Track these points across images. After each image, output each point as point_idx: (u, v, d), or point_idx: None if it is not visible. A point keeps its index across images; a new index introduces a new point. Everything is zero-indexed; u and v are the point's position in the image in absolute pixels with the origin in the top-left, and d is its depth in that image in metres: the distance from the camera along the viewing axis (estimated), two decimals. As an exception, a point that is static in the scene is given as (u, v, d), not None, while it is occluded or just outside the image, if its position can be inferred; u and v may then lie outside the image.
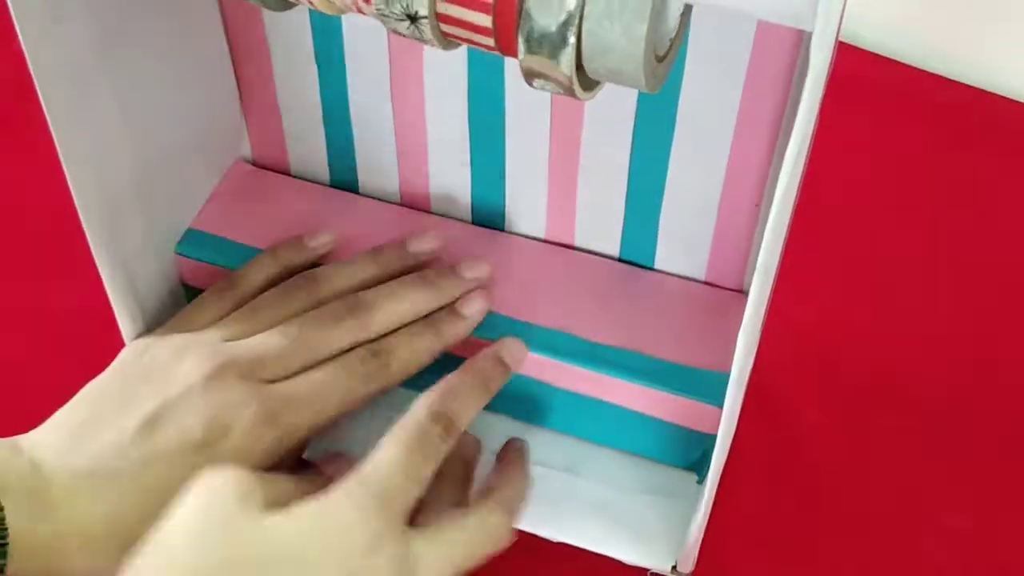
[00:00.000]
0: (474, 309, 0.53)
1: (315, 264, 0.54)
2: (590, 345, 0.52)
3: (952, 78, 0.74)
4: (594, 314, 0.53)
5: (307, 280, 0.52)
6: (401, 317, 0.52)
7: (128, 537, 0.44)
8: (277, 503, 0.42)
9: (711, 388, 0.50)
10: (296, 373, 0.49)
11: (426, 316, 0.52)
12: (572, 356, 0.52)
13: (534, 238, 0.57)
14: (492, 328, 0.53)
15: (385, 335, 0.51)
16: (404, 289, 0.52)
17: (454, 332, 0.52)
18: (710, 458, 0.47)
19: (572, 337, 0.52)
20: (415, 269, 0.54)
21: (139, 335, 0.53)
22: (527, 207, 0.55)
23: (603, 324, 0.53)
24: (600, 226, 0.55)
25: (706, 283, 0.55)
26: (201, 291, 0.55)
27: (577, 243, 0.56)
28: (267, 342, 0.49)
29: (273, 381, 0.49)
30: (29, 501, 0.44)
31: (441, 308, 0.53)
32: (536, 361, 0.52)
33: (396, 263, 0.54)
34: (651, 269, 0.56)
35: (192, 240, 0.55)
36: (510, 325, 0.53)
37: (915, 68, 0.74)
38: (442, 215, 0.57)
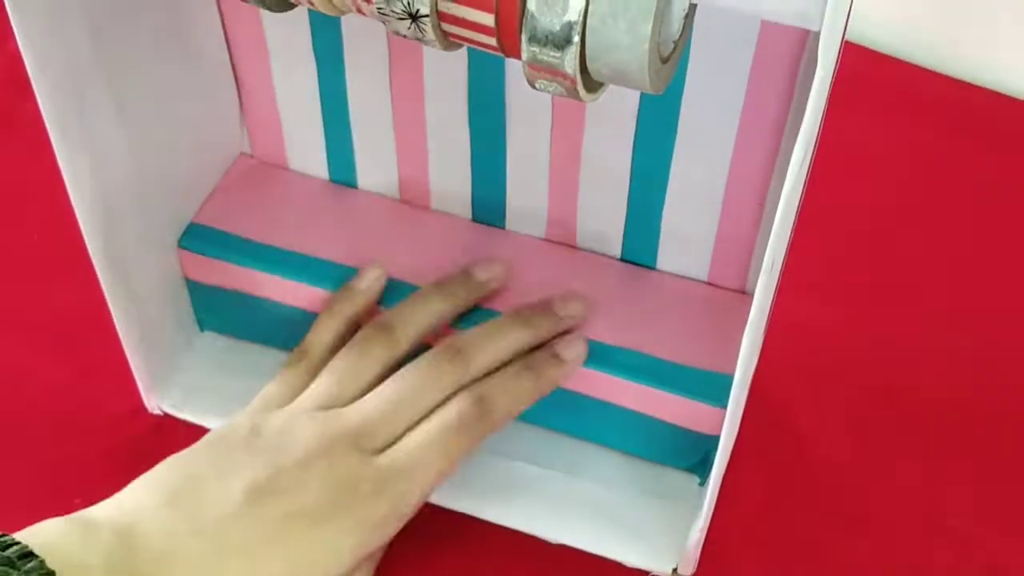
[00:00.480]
0: (575, 353, 0.52)
1: (378, 302, 0.54)
2: (592, 344, 0.52)
3: (955, 76, 0.73)
4: (595, 313, 0.53)
5: (381, 330, 0.51)
6: (499, 360, 0.51)
7: None
8: None
9: (713, 389, 0.50)
10: (404, 432, 0.49)
11: (524, 356, 0.52)
12: None
13: (535, 238, 0.56)
14: None
15: (484, 377, 0.51)
16: (502, 331, 0.51)
17: (553, 376, 0.51)
18: (711, 460, 0.47)
19: None
20: (482, 298, 0.53)
21: (136, 334, 0.53)
22: (528, 207, 0.55)
23: (605, 323, 0.53)
24: (601, 226, 0.54)
25: (709, 284, 0.55)
26: (204, 287, 0.56)
27: (578, 243, 0.56)
28: (373, 407, 0.49)
29: (383, 448, 0.48)
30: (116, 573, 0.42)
31: (538, 347, 0.52)
32: None
33: (464, 294, 0.53)
34: (653, 270, 0.55)
35: (194, 234, 0.55)
36: None
37: (918, 66, 0.74)
38: (442, 213, 0.57)
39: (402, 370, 0.50)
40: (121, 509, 0.45)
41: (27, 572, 0.40)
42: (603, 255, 0.55)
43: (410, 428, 0.49)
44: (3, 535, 0.41)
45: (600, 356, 0.51)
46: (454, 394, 0.50)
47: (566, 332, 0.52)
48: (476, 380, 0.50)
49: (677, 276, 0.55)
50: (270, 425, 0.48)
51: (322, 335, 0.52)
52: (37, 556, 0.40)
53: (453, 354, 0.50)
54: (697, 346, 0.52)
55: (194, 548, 0.44)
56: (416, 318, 0.52)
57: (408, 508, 0.48)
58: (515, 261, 0.55)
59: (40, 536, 0.42)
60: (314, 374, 0.51)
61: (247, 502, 0.45)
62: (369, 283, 0.53)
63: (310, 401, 0.50)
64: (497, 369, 0.51)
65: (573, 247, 0.56)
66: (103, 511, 0.45)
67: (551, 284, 0.54)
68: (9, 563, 0.40)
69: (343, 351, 0.51)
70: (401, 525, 0.48)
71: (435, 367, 0.50)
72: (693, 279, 0.55)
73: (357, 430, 0.48)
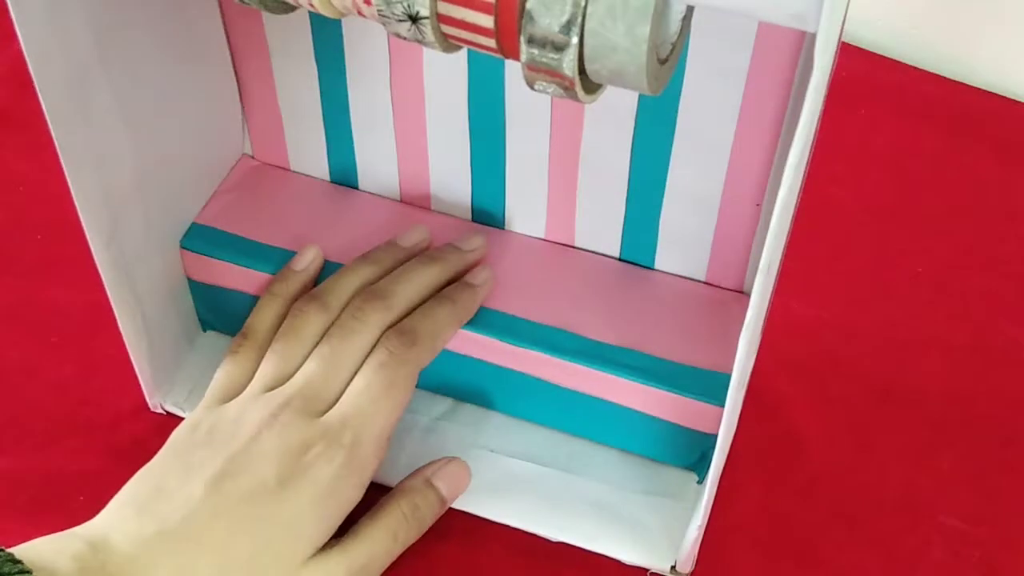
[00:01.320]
0: (483, 277, 0.54)
1: (315, 282, 0.55)
2: (590, 343, 0.52)
3: (954, 78, 0.74)
4: (594, 312, 0.53)
5: (313, 301, 0.52)
6: (416, 294, 0.52)
7: None
8: None
9: (711, 387, 0.50)
10: (346, 386, 0.50)
11: (439, 291, 0.53)
12: (572, 354, 0.52)
13: (534, 238, 0.57)
14: (491, 325, 0.53)
15: (405, 317, 0.52)
16: (412, 268, 0.53)
17: (468, 300, 0.53)
18: (710, 458, 0.47)
19: (572, 335, 0.52)
20: (406, 259, 0.55)
21: (139, 334, 0.53)
22: (527, 207, 0.55)
23: (603, 322, 0.53)
24: (600, 226, 0.55)
25: (707, 284, 0.55)
26: (206, 287, 0.56)
27: (577, 243, 0.56)
28: (311, 369, 0.50)
29: (328, 408, 0.49)
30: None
31: (451, 282, 0.54)
32: (536, 358, 0.52)
33: (390, 261, 0.54)
34: (651, 270, 0.55)
35: (197, 234, 0.55)
36: (510, 322, 0.53)
37: (915, 68, 0.74)
38: (442, 214, 0.57)
39: (331, 328, 0.51)
40: (94, 524, 0.46)
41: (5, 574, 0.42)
42: (602, 255, 0.56)
43: (351, 380, 0.50)
44: None
45: (599, 354, 0.52)
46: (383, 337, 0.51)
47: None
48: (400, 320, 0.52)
49: (675, 276, 0.55)
50: (224, 418, 0.49)
51: (262, 317, 0.53)
52: (20, 562, 0.42)
53: (372, 296, 0.52)
54: (695, 345, 0.52)
55: (163, 550, 0.45)
56: (344, 286, 0.53)
57: (367, 458, 0.49)
58: (515, 261, 0.55)
59: (22, 550, 0.44)
60: (259, 355, 0.52)
61: (207, 493, 0.46)
62: (306, 264, 0.54)
63: (259, 384, 0.50)
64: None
65: (572, 247, 0.56)
66: (84, 527, 0.46)
67: (550, 284, 0.54)
68: None
69: (281, 329, 0.52)
70: (366, 480, 0.49)
71: (359, 313, 0.51)
72: (691, 279, 0.55)
73: (302, 396, 0.49)
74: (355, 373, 0.50)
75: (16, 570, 0.42)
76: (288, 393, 0.49)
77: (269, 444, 0.47)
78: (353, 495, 0.49)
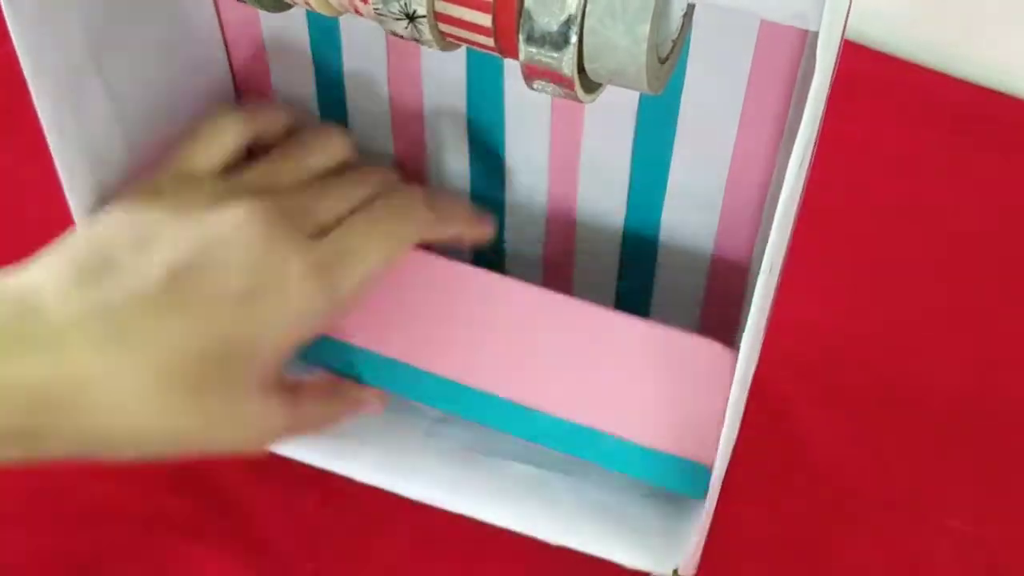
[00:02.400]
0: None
1: None
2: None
3: (957, 76, 0.73)
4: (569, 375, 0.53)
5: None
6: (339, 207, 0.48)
7: (141, 400, 0.39)
8: None
9: (694, 483, 0.50)
10: (333, 227, 0.46)
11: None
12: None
13: (534, 238, 0.56)
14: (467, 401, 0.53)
15: None
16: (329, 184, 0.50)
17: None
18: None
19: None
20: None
21: None
22: (527, 206, 0.55)
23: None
24: (600, 226, 0.54)
25: (708, 283, 0.54)
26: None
27: (577, 243, 0.56)
28: (306, 193, 0.46)
29: (314, 236, 0.45)
30: (10, 343, 0.39)
31: None
32: None
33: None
34: (651, 279, 0.55)
35: None
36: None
37: (919, 66, 0.74)
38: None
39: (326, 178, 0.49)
40: (31, 279, 0.41)
41: None
42: (602, 255, 0.55)
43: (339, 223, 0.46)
44: None
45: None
46: None
47: None
48: None
49: (661, 322, 0.53)
50: (192, 196, 0.45)
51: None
52: None
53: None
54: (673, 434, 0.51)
55: (94, 331, 0.40)
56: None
57: (338, 303, 0.44)
58: (503, 315, 0.54)
59: None
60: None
61: (164, 283, 0.41)
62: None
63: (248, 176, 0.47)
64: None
65: (572, 248, 0.56)
66: (15, 280, 0.41)
67: (539, 347, 0.54)
68: None
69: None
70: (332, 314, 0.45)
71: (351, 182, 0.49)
72: (692, 280, 0.55)
73: (294, 209, 0.45)
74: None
75: None
76: (282, 204, 0.45)
77: (248, 249, 0.42)
78: (318, 324, 0.45)
